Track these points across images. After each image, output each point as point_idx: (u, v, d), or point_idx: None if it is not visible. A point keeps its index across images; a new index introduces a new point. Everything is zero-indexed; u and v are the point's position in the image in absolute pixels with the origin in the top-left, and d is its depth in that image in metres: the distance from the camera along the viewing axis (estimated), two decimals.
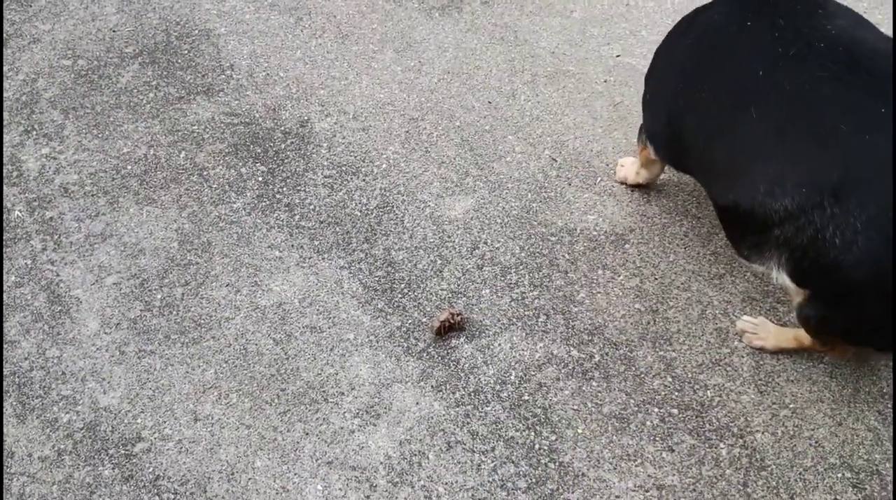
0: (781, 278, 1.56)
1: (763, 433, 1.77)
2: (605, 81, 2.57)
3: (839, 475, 1.70)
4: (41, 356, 1.97)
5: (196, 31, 2.84)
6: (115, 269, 2.15)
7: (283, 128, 2.50)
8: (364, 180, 2.33)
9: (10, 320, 2.05)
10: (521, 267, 2.10)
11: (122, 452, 1.79)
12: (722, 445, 1.76)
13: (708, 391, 1.84)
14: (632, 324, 1.97)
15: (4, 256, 2.19)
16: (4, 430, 1.84)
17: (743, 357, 1.89)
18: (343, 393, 1.88)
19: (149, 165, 2.41)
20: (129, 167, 2.41)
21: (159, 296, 2.09)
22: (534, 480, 1.72)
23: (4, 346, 2.00)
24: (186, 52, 2.77)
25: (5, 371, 1.95)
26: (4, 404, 1.89)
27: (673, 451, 1.75)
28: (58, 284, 2.12)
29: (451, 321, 1.95)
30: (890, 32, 2.63)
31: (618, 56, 2.63)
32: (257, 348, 1.97)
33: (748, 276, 2.04)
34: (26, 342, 2.00)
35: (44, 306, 2.07)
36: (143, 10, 2.95)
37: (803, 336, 1.76)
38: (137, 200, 2.31)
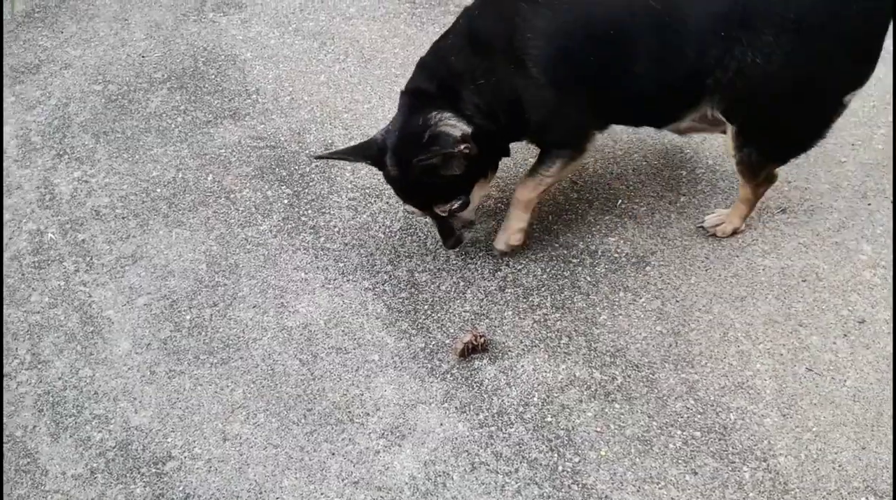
0: (715, 114, 1.86)
1: (786, 456, 1.77)
2: None
3: (863, 499, 1.70)
4: (74, 376, 2.02)
5: (223, 57, 2.91)
6: (145, 290, 2.20)
7: (308, 151, 2.55)
8: (387, 203, 2.37)
9: (44, 340, 2.10)
10: (542, 289, 2.12)
11: (154, 471, 1.83)
12: (745, 468, 1.76)
13: (731, 414, 1.85)
14: (654, 346, 1.98)
15: (39, 277, 2.25)
16: (39, 448, 1.89)
17: (766, 380, 1.90)
18: (368, 414, 1.91)
19: (177, 188, 2.47)
20: (159, 190, 2.47)
21: (188, 317, 2.13)
22: None
23: (39, 366, 2.05)
24: (213, 76, 2.84)
25: (40, 391, 2.00)
26: (39, 423, 1.93)
27: (696, 474, 1.76)
28: (90, 304, 2.17)
29: (475, 343, 1.98)
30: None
31: None
32: (284, 369, 2.00)
33: (769, 298, 2.05)
34: (60, 362, 2.05)
35: (77, 327, 2.12)
36: (171, 36, 3.03)
37: (745, 193, 2.06)
38: (167, 223, 2.37)
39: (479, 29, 1.88)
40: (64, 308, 2.17)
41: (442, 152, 1.83)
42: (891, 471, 1.74)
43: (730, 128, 1.87)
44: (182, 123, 2.68)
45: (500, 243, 2.16)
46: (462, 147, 1.85)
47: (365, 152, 1.98)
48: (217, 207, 2.40)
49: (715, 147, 2.43)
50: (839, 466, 1.75)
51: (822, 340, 1.96)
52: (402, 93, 1.98)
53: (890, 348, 1.93)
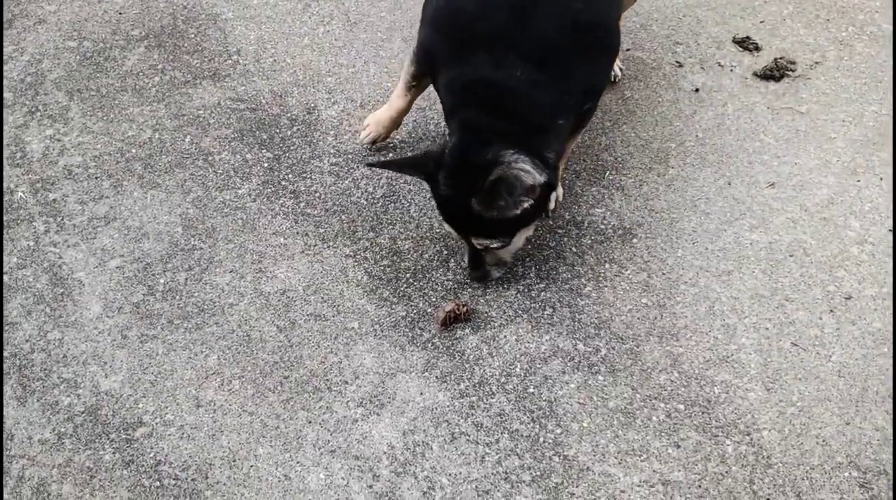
0: None
1: (770, 430, 1.76)
2: (614, 75, 2.54)
3: (846, 475, 1.69)
4: (42, 339, 1.95)
5: (203, 16, 2.82)
6: (118, 252, 2.13)
7: (289, 114, 2.47)
8: (370, 169, 2.31)
9: (11, 302, 2.03)
10: (527, 259, 2.08)
11: (123, 436, 1.78)
12: (728, 442, 1.74)
13: (715, 388, 1.83)
14: (639, 319, 1.95)
15: (6, 236, 2.17)
16: (4, 412, 1.83)
17: (751, 354, 1.88)
18: (347, 382, 1.86)
19: (154, 148, 2.39)
20: (134, 151, 2.39)
21: (162, 281, 2.07)
22: (538, 473, 1.71)
23: (6, 328, 1.98)
24: (193, 36, 2.75)
25: (6, 353, 1.93)
26: (5, 387, 1.87)
27: (679, 447, 1.74)
28: (60, 266, 2.10)
29: (457, 312, 1.94)
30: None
31: (627, 50, 2.61)
32: (261, 335, 1.95)
33: (756, 272, 2.02)
34: (28, 324, 1.98)
35: (46, 289, 2.05)
36: None
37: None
38: (142, 184, 2.29)
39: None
40: (33, 269, 2.10)
41: (509, 201, 1.76)
42: (874, 447, 1.72)
43: None
44: (160, 82, 2.59)
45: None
46: (530, 200, 1.78)
47: (420, 167, 1.88)
48: (194, 169, 2.33)
49: (706, 120, 2.39)
50: (823, 441, 1.74)
51: (808, 315, 1.94)
52: (463, 103, 1.84)
53: (877, 325, 1.91)
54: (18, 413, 1.82)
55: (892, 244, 2.06)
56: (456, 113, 1.86)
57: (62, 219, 2.21)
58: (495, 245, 1.88)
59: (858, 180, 2.21)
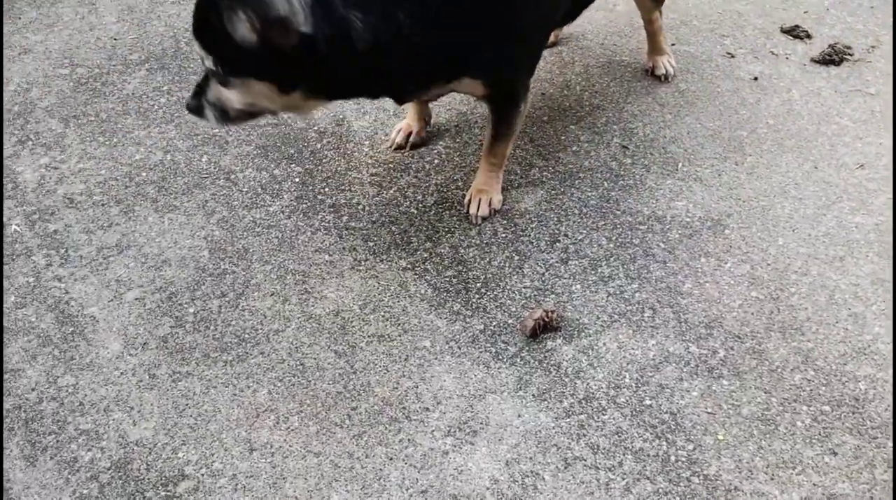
0: None
1: None
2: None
3: None
4: (52, 385, 1.62)
5: None
6: (135, 283, 1.82)
7: (316, 127, 2.23)
8: (416, 177, 2.06)
9: (11, 346, 1.69)
10: (612, 259, 1.83)
11: (163, 494, 1.44)
12: (890, 443, 1.47)
13: (860, 384, 1.56)
14: (753, 314, 1.70)
15: (2, 274, 1.85)
16: (11, 475, 1.47)
17: (888, 344, 1.63)
18: (428, 409, 1.56)
19: (167, 170, 2.11)
20: (144, 174, 2.10)
21: (192, 310, 1.76)
22: (678, 498, 1.41)
23: (5, 376, 1.64)
24: (198, 56, 2.50)
25: (7, 406, 1.59)
26: (9, 445, 1.52)
27: (836, 454, 1.46)
28: (68, 302, 1.78)
29: (546, 320, 1.67)
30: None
31: (672, 45, 2.45)
32: (317, 363, 1.64)
33: (870, 256, 1.80)
34: (33, 370, 1.65)
35: (52, 328, 1.73)
36: (147, 18, 2.70)
37: (655, 21, 2.26)
38: (156, 208, 2.00)
39: None
40: (35, 308, 1.77)
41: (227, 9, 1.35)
42: None
43: None
44: (166, 103, 2.33)
45: (485, 209, 1.92)
46: (254, 20, 1.35)
47: None
48: (215, 188, 2.05)
49: (773, 106, 2.21)
50: None
51: None
52: None
53: None
54: (28, 476, 1.47)
55: None
56: None
57: (66, 251, 1.90)
58: (210, 66, 1.51)
59: None
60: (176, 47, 2.56)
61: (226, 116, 1.61)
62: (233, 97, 1.56)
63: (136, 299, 1.79)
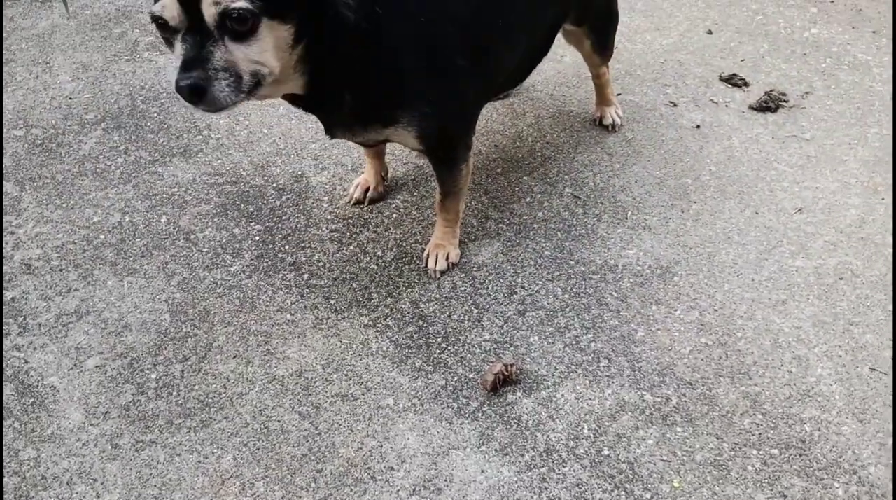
0: (569, 28, 2.12)
1: (876, 465, 1.57)
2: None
3: None
4: (13, 459, 1.60)
5: (164, 94, 2.62)
6: (96, 349, 1.82)
7: (275, 184, 2.26)
8: (376, 232, 2.10)
9: None
10: (567, 309, 1.88)
11: None
12: (836, 484, 1.54)
13: (805, 426, 1.64)
14: (703, 360, 1.77)
15: None
16: None
17: (832, 385, 1.71)
18: (392, 468, 1.58)
19: (125, 232, 2.12)
20: (103, 237, 2.11)
21: (154, 376, 1.76)
22: None
23: None
24: (156, 115, 2.53)
25: None
26: None
27: (785, 497, 1.52)
28: (27, 372, 1.77)
29: (505, 374, 1.71)
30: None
31: (618, 94, 2.55)
32: (281, 426, 1.66)
33: (811, 299, 1.89)
34: None
35: (12, 400, 1.71)
36: (102, 76, 2.71)
37: (602, 75, 2.36)
38: (116, 272, 2.01)
39: None
40: None
41: None
42: None
43: (581, 31, 2.17)
44: (123, 163, 2.34)
45: (442, 263, 1.98)
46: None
47: None
48: (175, 250, 2.06)
49: (715, 153, 2.31)
50: None
51: (876, 337, 1.80)
52: None
53: None
54: None
55: None
56: None
57: (24, 319, 1.89)
58: (243, 5, 1.30)
59: (883, 198, 2.15)
60: (132, 106, 2.57)
61: (239, 83, 1.36)
62: (251, 53, 1.36)
63: (97, 366, 1.78)
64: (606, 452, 1.60)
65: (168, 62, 2.76)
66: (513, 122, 2.48)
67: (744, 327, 1.83)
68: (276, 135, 2.44)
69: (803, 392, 1.70)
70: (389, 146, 2.13)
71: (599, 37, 2.22)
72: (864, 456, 1.58)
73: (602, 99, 2.41)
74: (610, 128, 2.39)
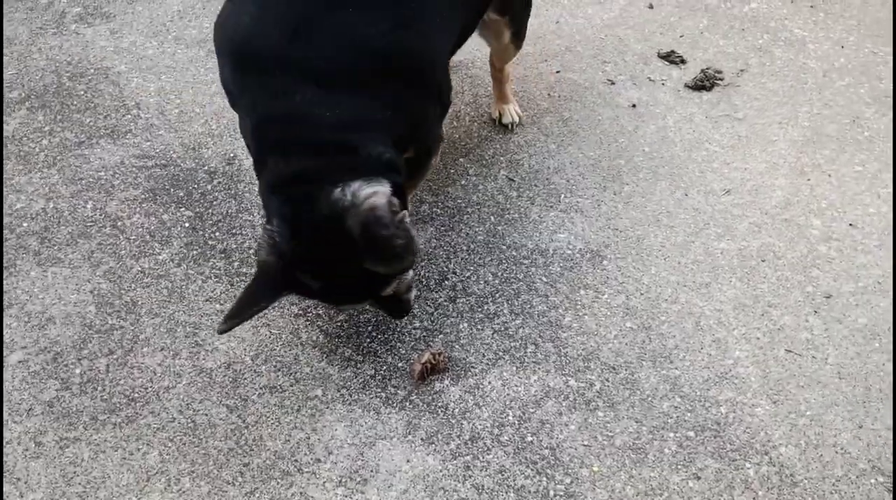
0: (492, 17, 2.00)
1: (787, 446, 1.64)
2: (549, 96, 2.46)
3: (872, 482, 1.59)
4: None
5: (92, 71, 2.53)
6: (18, 344, 1.79)
7: (206, 167, 2.22)
8: None
9: None
10: (497, 295, 1.90)
11: None
12: (748, 465, 1.61)
13: (721, 408, 1.70)
14: (627, 344, 1.81)
15: None
16: None
17: (748, 367, 1.77)
18: (320, 460, 1.60)
19: (49, 220, 2.07)
20: (26, 225, 2.05)
21: (78, 371, 1.74)
22: None
23: None
24: (83, 93, 2.45)
25: None
26: None
27: (699, 478, 1.58)
28: None
29: (433, 363, 1.73)
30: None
31: (557, 72, 2.54)
32: (208, 419, 1.66)
33: (733, 281, 1.93)
34: None
35: None
36: (27, 51, 2.61)
37: (504, 73, 2.27)
38: (39, 261, 1.96)
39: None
40: None
41: (393, 234, 1.43)
42: (892, 447, 1.63)
43: (502, 21, 2.05)
44: (48, 145, 2.27)
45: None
46: (401, 215, 1.46)
47: (272, 289, 1.52)
48: (101, 238, 2.02)
49: (649, 134, 2.33)
50: (841, 449, 1.63)
51: (794, 319, 1.86)
52: (270, 192, 1.52)
53: (862, 320, 1.85)
54: None
55: (857, 239, 2.03)
56: (259, 176, 1.56)
57: None
58: (409, 276, 1.65)
59: (808, 179, 2.19)
60: (58, 83, 2.48)
61: (412, 280, 1.73)
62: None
63: (20, 361, 1.76)
64: (530, 438, 1.64)
65: (97, 35, 2.66)
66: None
67: (667, 311, 1.88)
68: (208, 114, 2.38)
69: (721, 375, 1.75)
70: None
71: (519, 28, 2.13)
72: (775, 437, 1.65)
73: (501, 96, 2.33)
74: (510, 126, 2.33)
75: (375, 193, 1.44)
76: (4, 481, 1.56)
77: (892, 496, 1.56)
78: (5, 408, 1.67)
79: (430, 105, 1.71)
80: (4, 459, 1.59)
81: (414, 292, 1.74)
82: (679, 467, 1.60)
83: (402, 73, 1.55)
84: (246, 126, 1.57)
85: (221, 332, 1.51)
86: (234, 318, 1.51)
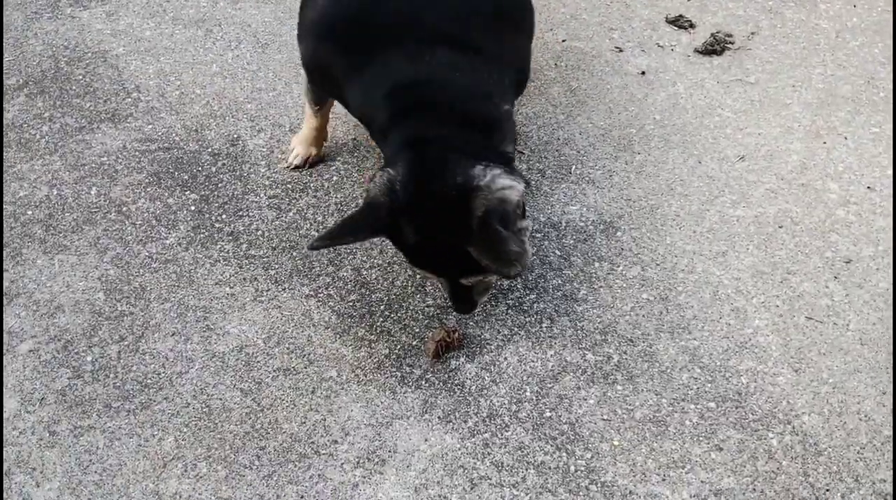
0: None
1: (809, 414, 1.61)
2: (556, 66, 2.41)
3: None
4: None
5: (89, 55, 2.49)
6: (28, 333, 1.77)
7: (210, 149, 2.18)
8: (315, 197, 2.05)
9: None
10: None
11: None
12: (771, 434, 1.58)
13: (742, 378, 1.67)
14: (644, 316, 1.78)
15: None
16: None
17: (768, 336, 1.74)
18: (336, 441, 1.58)
19: (53, 207, 2.04)
20: (30, 213, 2.03)
21: (90, 358, 1.72)
22: None
23: None
24: (81, 77, 2.41)
25: None
26: None
27: (721, 449, 1.56)
28: None
29: (448, 340, 1.71)
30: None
31: (563, 41, 2.48)
32: (223, 404, 1.64)
33: (750, 249, 1.90)
34: None
35: None
36: (23, 37, 2.56)
37: None
38: (45, 250, 1.94)
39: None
40: None
41: (508, 234, 1.44)
42: None
43: None
44: (49, 132, 2.24)
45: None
46: (525, 223, 1.53)
47: (372, 225, 1.52)
48: (107, 223, 2.00)
49: (660, 101, 2.28)
50: (865, 416, 1.61)
51: (813, 285, 1.83)
52: (393, 117, 1.57)
53: (883, 285, 1.82)
54: None
55: (875, 202, 1.99)
56: (390, 132, 1.59)
57: None
58: (490, 278, 1.63)
59: (824, 142, 2.15)
60: (56, 68, 2.44)
61: (491, 286, 1.72)
62: None
63: (31, 350, 1.74)
64: (548, 414, 1.62)
65: (93, 18, 2.61)
66: None
67: (685, 281, 1.84)
68: (209, 95, 2.34)
69: (740, 344, 1.73)
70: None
71: None
72: (798, 406, 1.62)
73: None
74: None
75: (512, 187, 1.46)
76: (20, 471, 1.54)
77: None
78: (18, 397, 1.66)
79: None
80: (19, 447, 1.58)
81: (486, 297, 1.72)
82: (701, 438, 1.58)
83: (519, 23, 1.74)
84: (371, 95, 1.60)
85: (313, 248, 1.53)
86: (329, 239, 1.56)
